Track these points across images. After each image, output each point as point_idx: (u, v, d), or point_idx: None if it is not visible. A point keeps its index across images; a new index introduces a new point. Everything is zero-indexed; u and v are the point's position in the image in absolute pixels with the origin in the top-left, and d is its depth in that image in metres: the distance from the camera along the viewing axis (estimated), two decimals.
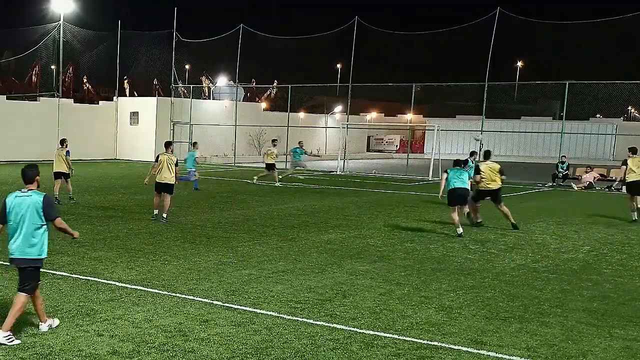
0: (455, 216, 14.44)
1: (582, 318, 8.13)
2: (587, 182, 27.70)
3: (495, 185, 15.46)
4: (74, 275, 9.57)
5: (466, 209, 15.22)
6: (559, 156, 30.70)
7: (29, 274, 7.04)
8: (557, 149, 36.28)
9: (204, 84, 50.20)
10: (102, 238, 12.71)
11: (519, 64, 64.01)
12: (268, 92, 55.84)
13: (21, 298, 6.97)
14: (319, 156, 27.96)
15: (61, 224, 7.13)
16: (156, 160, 15.68)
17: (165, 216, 15.19)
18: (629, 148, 18.11)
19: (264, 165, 26.87)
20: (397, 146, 60.81)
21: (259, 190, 23.98)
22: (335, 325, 7.58)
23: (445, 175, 14.83)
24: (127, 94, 46.62)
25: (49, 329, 7.08)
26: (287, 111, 40.82)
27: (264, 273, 10.11)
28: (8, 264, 10.04)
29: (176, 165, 15.49)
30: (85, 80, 55.40)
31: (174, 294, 8.70)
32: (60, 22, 40.23)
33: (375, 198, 22.40)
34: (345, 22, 38.73)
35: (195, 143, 25.50)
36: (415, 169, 35.40)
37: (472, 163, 16.91)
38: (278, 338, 7.06)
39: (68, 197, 18.22)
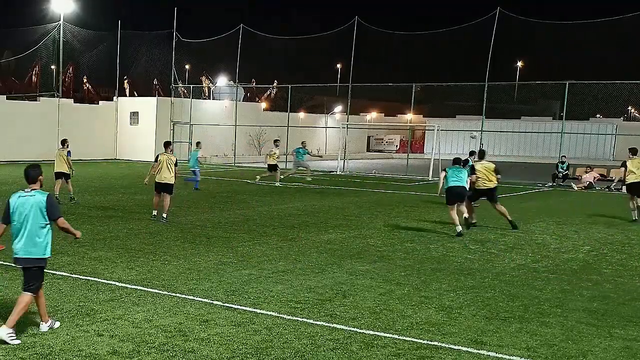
0: (454, 215, 14.46)
1: (582, 318, 8.13)
2: (587, 182, 27.70)
3: (491, 184, 15.46)
4: (74, 275, 9.57)
5: (465, 214, 15.09)
6: (559, 156, 30.71)
7: (33, 274, 7.05)
8: (557, 149, 36.30)
9: (204, 84, 50.22)
10: (102, 238, 12.72)
11: (519, 64, 64.05)
12: (268, 92, 55.87)
13: (25, 297, 6.99)
14: (320, 157, 28.04)
15: (64, 223, 7.14)
16: (155, 160, 15.68)
17: (165, 216, 15.19)
18: (629, 149, 18.12)
19: (267, 167, 26.90)
20: (397, 146, 60.83)
21: (259, 190, 23.99)
22: (335, 325, 7.58)
23: (443, 174, 14.89)
24: (127, 94, 46.64)
25: (49, 329, 7.08)
26: (287, 111, 40.84)
27: (264, 273, 10.11)
28: (7, 264, 10.07)
29: (175, 165, 15.50)
30: (85, 80, 55.42)
31: (174, 294, 8.70)
32: (60, 22, 40.24)
33: (375, 198, 22.40)
34: (345, 22, 38.78)
35: (198, 143, 25.51)
36: (415, 169, 35.40)
37: (472, 163, 16.91)
38: (278, 338, 7.06)
39: (69, 197, 18.22)
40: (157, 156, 15.74)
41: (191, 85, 45.74)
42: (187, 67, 58.80)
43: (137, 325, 7.37)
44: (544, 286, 9.79)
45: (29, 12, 54.05)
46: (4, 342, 6.67)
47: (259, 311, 8.03)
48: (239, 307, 8.20)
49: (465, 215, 15.07)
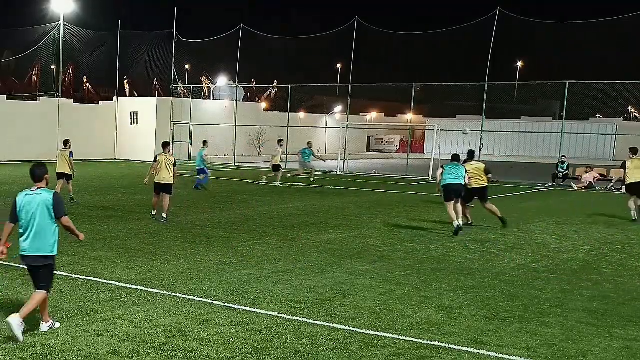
0: (452, 211, 14.53)
1: (582, 318, 8.13)
2: (587, 182, 27.70)
3: (483, 183, 15.52)
4: (74, 275, 9.57)
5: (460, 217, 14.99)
6: (559, 156, 30.71)
7: (43, 274, 7.11)
8: (557, 149, 36.30)
9: (204, 84, 50.22)
10: (102, 238, 12.72)
11: (519, 64, 64.04)
12: (268, 92, 55.87)
13: (38, 295, 7.04)
14: (323, 160, 28.31)
15: (68, 222, 7.17)
16: (154, 161, 15.69)
17: (165, 216, 15.20)
18: (630, 148, 18.10)
19: (271, 167, 26.96)
20: (397, 146, 60.84)
21: (259, 190, 23.99)
22: (335, 325, 7.58)
23: (440, 171, 15.01)
24: (127, 94, 46.64)
25: (49, 329, 7.08)
26: (287, 111, 40.83)
27: (264, 273, 10.11)
28: (7, 263, 10.07)
29: (174, 165, 15.53)
30: (85, 80, 55.41)
31: (174, 294, 8.70)
32: (60, 22, 40.25)
33: (375, 198, 22.40)
34: (345, 22, 38.78)
35: (205, 141, 25.53)
36: (415, 169, 35.40)
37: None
38: (278, 338, 7.06)
39: (69, 197, 18.22)
40: (156, 157, 15.75)
41: (191, 85, 45.74)
42: (187, 67, 58.80)
43: (137, 325, 7.37)
44: (544, 286, 9.79)
45: (29, 12, 54.08)
46: (11, 331, 6.68)
47: (259, 311, 8.03)
48: (239, 307, 8.20)
49: (458, 225, 14.57)
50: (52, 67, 46.12)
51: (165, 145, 16.23)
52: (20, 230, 7.10)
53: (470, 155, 16.08)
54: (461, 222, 14.51)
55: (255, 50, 44.14)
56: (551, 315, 8.21)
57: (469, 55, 43.69)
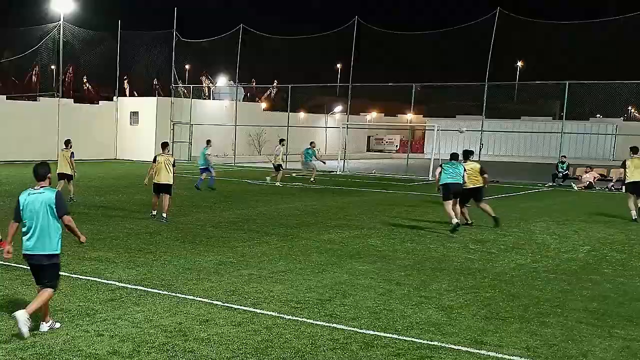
0: (450, 209, 14.64)
1: (582, 318, 8.13)
2: (587, 182, 27.70)
3: (479, 184, 15.57)
4: (74, 275, 9.56)
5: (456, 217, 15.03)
6: (559, 156, 30.70)
7: (49, 273, 7.17)
8: (557, 149, 36.28)
9: (204, 84, 50.22)
10: (102, 238, 12.72)
11: (519, 64, 64.00)
12: (268, 92, 55.85)
13: (46, 293, 7.09)
14: (323, 162, 28.51)
15: (69, 221, 7.19)
16: (154, 161, 15.70)
17: (165, 216, 15.21)
18: (630, 147, 18.08)
19: (273, 166, 27.00)
20: (397, 146, 60.84)
21: (259, 190, 23.99)
22: (335, 325, 7.58)
23: (439, 170, 15.09)
24: (127, 94, 46.64)
25: (50, 329, 7.09)
26: (287, 111, 40.83)
27: (264, 273, 10.11)
28: (7, 263, 10.07)
29: (174, 165, 15.56)
30: (85, 80, 55.39)
31: (174, 294, 8.70)
32: (60, 22, 40.26)
33: (375, 198, 22.40)
34: (345, 22, 38.76)
35: (209, 141, 25.57)
36: (415, 169, 35.40)
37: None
38: (278, 338, 7.06)
39: (69, 198, 18.21)
40: (155, 157, 15.76)
41: (191, 85, 45.73)
42: (187, 67, 58.78)
43: (137, 325, 7.37)
44: (544, 286, 9.79)
45: (29, 12, 53.99)
46: (17, 326, 6.73)
47: (259, 311, 8.03)
48: (239, 307, 8.20)
49: (456, 221, 14.67)
50: (52, 67, 46.12)
51: (165, 145, 16.23)
52: (24, 230, 7.15)
53: (466, 155, 16.07)
54: (459, 221, 14.59)
55: (255, 50, 44.14)
56: (551, 315, 8.22)
57: (469, 55, 43.66)
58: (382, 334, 7.31)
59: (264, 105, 51.47)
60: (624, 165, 17.77)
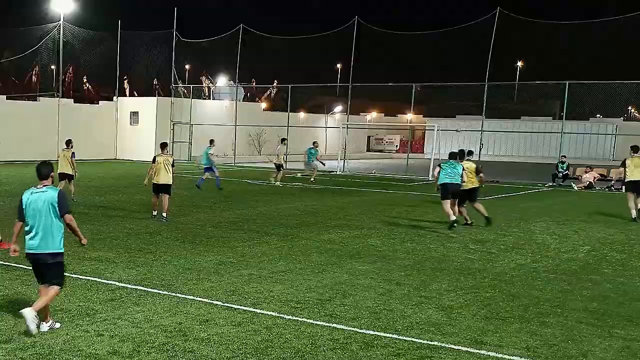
0: (448, 207, 14.80)
1: (582, 318, 8.13)
2: (587, 182, 27.70)
3: (473, 184, 15.61)
4: (74, 275, 9.56)
5: (453, 216, 15.15)
6: (559, 156, 30.70)
7: (54, 271, 7.22)
8: (557, 149, 36.27)
9: (204, 84, 50.24)
10: (102, 238, 12.72)
11: (519, 64, 64.01)
12: (268, 92, 55.86)
13: (52, 291, 7.16)
14: (322, 164, 28.59)
15: (71, 220, 7.23)
16: (153, 162, 15.71)
17: (165, 215, 15.23)
18: (631, 147, 18.07)
19: (274, 166, 27.06)
20: (397, 146, 60.84)
21: (259, 190, 24.00)
22: (335, 325, 7.58)
23: (437, 169, 15.25)
24: (127, 94, 46.66)
25: (50, 329, 7.09)
26: (287, 111, 40.83)
27: (264, 273, 10.11)
28: (7, 263, 10.07)
29: (173, 165, 15.57)
30: (85, 80, 55.39)
31: (174, 294, 8.70)
32: (60, 22, 40.26)
33: (375, 198, 22.40)
34: (345, 22, 38.76)
35: (212, 140, 25.61)
36: (415, 169, 35.40)
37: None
38: (278, 338, 7.06)
39: (70, 198, 18.22)
40: (155, 157, 15.76)
41: (191, 85, 45.74)
42: (187, 67, 58.76)
43: (137, 325, 7.37)
44: (544, 286, 9.79)
45: (29, 12, 53.99)
46: (25, 323, 6.80)
47: (259, 311, 8.03)
48: (239, 307, 8.20)
49: (453, 218, 14.93)
50: (52, 67, 46.11)
51: (164, 145, 16.23)
52: (26, 229, 7.18)
53: (461, 154, 16.07)
54: (456, 217, 14.81)
55: (255, 50, 44.14)
56: (551, 315, 8.22)
57: (469, 55, 43.66)
58: (382, 334, 7.31)
59: (264, 105, 51.47)
60: (623, 164, 17.77)
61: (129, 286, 9.07)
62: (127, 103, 43.47)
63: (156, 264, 10.60)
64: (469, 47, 41.43)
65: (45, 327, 7.08)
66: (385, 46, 43.02)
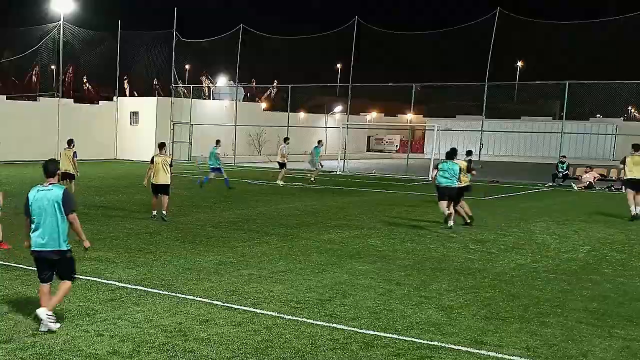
0: (444, 207, 15.06)
1: (582, 318, 8.13)
2: (587, 182, 27.70)
3: (464, 183, 15.73)
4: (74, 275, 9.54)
5: (448, 211, 15.29)
6: (559, 156, 30.70)
7: (63, 267, 7.33)
8: (557, 149, 36.28)
9: (204, 84, 50.25)
10: (102, 238, 12.72)
11: (519, 64, 64.01)
12: (268, 92, 55.87)
13: (65, 285, 7.31)
14: (321, 165, 28.61)
15: (74, 219, 7.28)
16: (151, 162, 15.72)
17: (164, 213, 15.25)
18: (632, 145, 18.06)
19: (278, 165, 27.11)
20: (397, 146, 60.84)
21: (259, 190, 24.00)
22: (335, 325, 7.58)
23: (435, 172, 15.46)
24: (127, 94, 46.66)
25: (49, 330, 7.08)
26: (287, 111, 40.83)
27: (264, 273, 10.11)
28: (7, 263, 10.08)
29: (171, 165, 15.59)
30: (85, 80, 55.39)
31: (174, 294, 8.70)
32: (60, 22, 40.25)
33: (375, 198, 22.40)
34: (345, 22, 38.76)
35: (218, 141, 25.66)
36: (415, 169, 35.40)
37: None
38: (278, 338, 7.06)
39: None
40: (153, 158, 15.77)
41: (191, 85, 45.74)
42: (187, 67, 58.75)
43: (137, 325, 7.37)
44: (544, 286, 9.79)
45: (29, 12, 54.00)
46: (43, 324, 6.93)
47: (259, 311, 8.03)
48: (239, 307, 8.20)
49: (449, 212, 15.29)
50: (52, 67, 46.10)
51: (162, 145, 16.23)
52: (32, 226, 7.23)
53: (453, 153, 16.03)
54: (451, 211, 15.11)
55: (255, 50, 44.14)
56: (551, 315, 8.21)
57: (469, 55, 43.66)
58: (382, 334, 7.31)
59: (264, 105, 51.47)
60: (623, 162, 17.78)
61: (129, 286, 9.07)
62: (127, 103, 43.47)
63: (156, 264, 10.60)
64: (469, 47, 41.44)
65: (45, 327, 7.08)
66: (385, 46, 43.03)
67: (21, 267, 9.91)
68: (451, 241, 13.60)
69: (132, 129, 42.48)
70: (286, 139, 27.97)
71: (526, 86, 46.76)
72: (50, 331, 6.94)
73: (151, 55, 45.38)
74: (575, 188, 27.40)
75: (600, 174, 29.39)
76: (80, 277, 9.54)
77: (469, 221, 15.66)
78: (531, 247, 13.11)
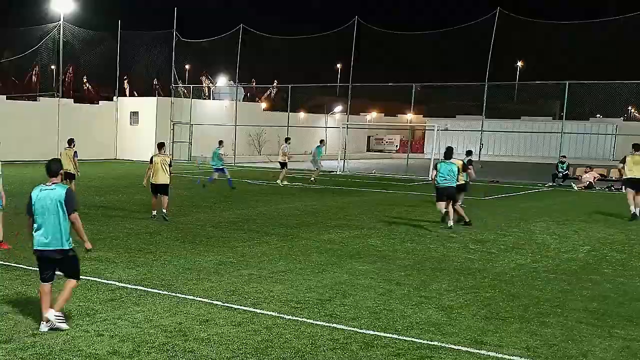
0: (442, 207, 15.19)
1: (582, 318, 8.13)
2: (587, 182, 27.70)
3: (459, 182, 15.83)
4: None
5: (444, 210, 15.36)
6: (559, 156, 30.70)
7: (67, 266, 7.34)
8: (557, 149, 36.28)
9: (204, 84, 50.26)
10: (102, 238, 12.72)
11: (519, 64, 64.00)
12: (268, 92, 55.87)
13: (70, 283, 7.32)
14: (321, 165, 28.66)
15: (76, 219, 7.29)
16: (150, 162, 15.72)
17: (164, 211, 15.27)
18: (633, 144, 18.05)
19: (279, 164, 27.14)
20: (397, 146, 60.84)
21: (259, 190, 24.00)
22: (335, 325, 7.58)
23: (434, 172, 15.48)
24: (127, 94, 46.68)
25: (49, 329, 7.09)
26: (287, 111, 40.84)
27: (264, 273, 10.11)
28: (7, 263, 10.08)
29: (170, 165, 15.60)
30: (85, 80, 55.40)
31: (174, 294, 8.70)
32: (60, 22, 40.26)
33: (375, 198, 22.40)
34: (345, 22, 38.76)
35: (221, 141, 25.68)
36: (415, 169, 35.40)
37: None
38: (278, 338, 7.06)
39: None
40: (152, 158, 15.77)
41: (191, 85, 45.74)
42: (187, 67, 58.75)
43: (137, 325, 7.37)
44: (544, 286, 9.79)
45: (29, 12, 54.00)
46: (52, 325, 6.98)
47: (259, 311, 8.03)
48: (239, 307, 8.20)
49: (445, 210, 15.41)
50: (52, 67, 46.11)
51: (161, 145, 16.24)
52: (35, 225, 7.24)
53: (451, 152, 16.05)
54: (451, 210, 15.20)
55: (255, 50, 44.14)
56: (551, 315, 8.21)
57: (469, 55, 43.67)
58: (382, 334, 7.31)
59: (264, 105, 51.47)
60: (623, 161, 17.77)
61: (129, 286, 9.07)
62: (127, 103, 43.47)
63: (156, 264, 10.60)
64: (469, 47, 41.44)
65: (45, 327, 7.08)
66: (385, 46, 43.04)
67: (21, 267, 9.92)
68: (451, 241, 13.60)
69: (132, 129, 42.48)
70: (287, 139, 28.02)
71: (526, 86, 46.76)
72: (60, 330, 7.01)
73: (151, 55, 45.40)
74: (575, 188, 27.40)
75: (600, 174, 29.39)
76: (81, 277, 9.54)
77: (467, 220, 15.66)
78: (531, 247, 13.11)
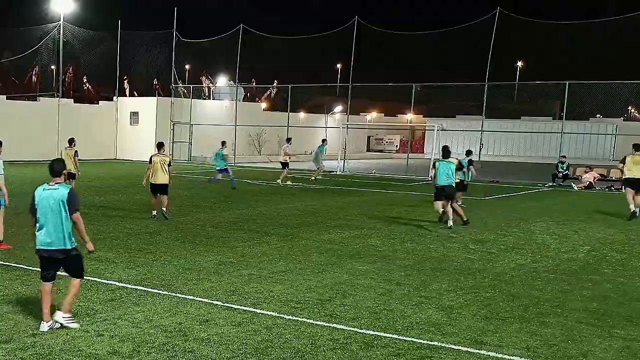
0: (439, 207, 15.28)
1: (582, 318, 8.13)
2: (587, 182, 27.70)
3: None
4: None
5: (442, 210, 15.42)
6: (559, 156, 30.70)
7: (71, 265, 7.37)
8: (557, 149, 36.28)
9: (204, 84, 50.26)
10: (102, 238, 12.71)
11: (519, 64, 64.00)
12: (268, 92, 55.87)
13: (75, 282, 7.36)
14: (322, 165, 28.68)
15: (77, 219, 7.30)
16: (149, 162, 15.73)
17: (165, 210, 15.28)
18: (633, 144, 18.05)
19: (280, 164, 27.18)
20: (397, 146, 60.84)
21: (259, 190, 24.00)
22: (335, 325, 7.58)
23: (434, 171, 15.56)
24: (127, 94, 46.68)
25: (50, 329, 7.09)
26: (287, 111, 40.84)
27: (264, 273, 10.11)
28: (7, 263, 10.08)
29: (169, 165, 15.61)
30: (85, 80, 55.40)
31: (174, 294, 8.70)
32: (60, 22, 40.26)
33: (375, 198, 22.40)
34: (345, 22, 38.76)
35: (224, 142, 25.70)
36: (415, 169, 35.39)
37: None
38: (278, 338, 7.06)
39: None
40: (151, 158, 15.78)
41: (191, 85, 45.74)
42: (187, 67, 58.75)
43: (137, 325, 7.37)
44: (544, 286, 9.79)
45: (29, 12, 54.02)
46: (62, 325, 7.07)
47: (259, 311, 8.03)
48: (239, 307, 8.20)
49: (442, 210, 15.48)
50: (52, 67, 46.11)
51: (160, 145, 16.24)
52: (37, 225, 7.26)
53: (448, 152, 16.04)
54: (449, 210, 15.25)
55: (255, 50, 44.14)
56: (551, 315, 8.22)
57: (469, 55, 43.66)
58: (382, 334, 7.31)
59: (264, 105, 51.47)
60: (623, 161, 17.78)
61: (129, 286, 9.07)
62: (127, 103, 43.47)
63: (156, 264, 10.60)
64: (469, 47, 41.43)
65: (45, 327, 7.09)
66: (385, 46, 43.03)
67: (21, 267, 9.92)
68: (451, 241, 13.60)
69: (132, 129, 42.48)
70: (289, 139, 28.06)
71: (526, 86, 46.76)
72: (71, 328, 7.08)
73: (151, 55, 45.38)
74: (575, 188, 27.40)
75: (600, 174, 29.39)
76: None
77: (465, 219, 15.66)
78: (531, 247, 13.11)
